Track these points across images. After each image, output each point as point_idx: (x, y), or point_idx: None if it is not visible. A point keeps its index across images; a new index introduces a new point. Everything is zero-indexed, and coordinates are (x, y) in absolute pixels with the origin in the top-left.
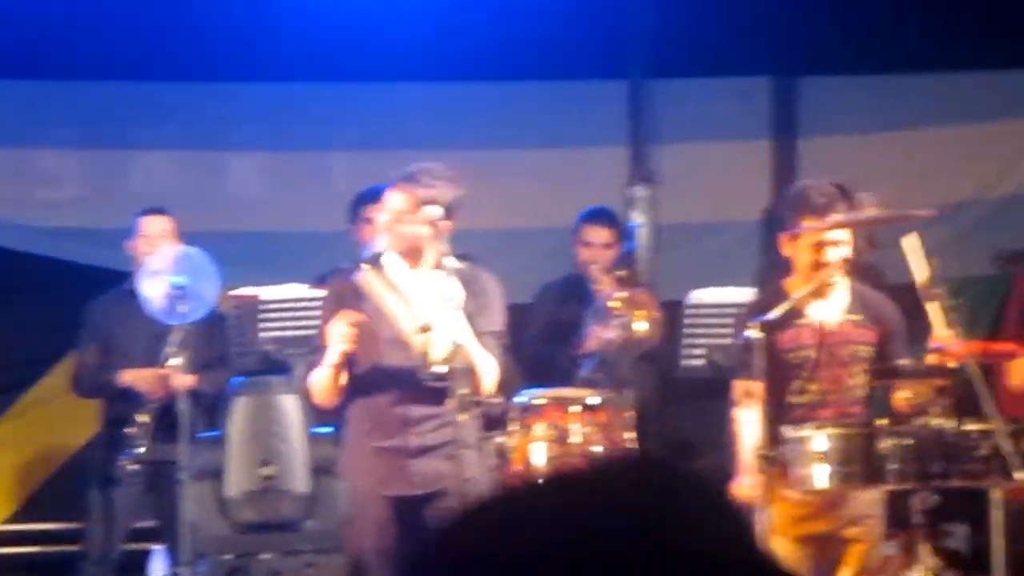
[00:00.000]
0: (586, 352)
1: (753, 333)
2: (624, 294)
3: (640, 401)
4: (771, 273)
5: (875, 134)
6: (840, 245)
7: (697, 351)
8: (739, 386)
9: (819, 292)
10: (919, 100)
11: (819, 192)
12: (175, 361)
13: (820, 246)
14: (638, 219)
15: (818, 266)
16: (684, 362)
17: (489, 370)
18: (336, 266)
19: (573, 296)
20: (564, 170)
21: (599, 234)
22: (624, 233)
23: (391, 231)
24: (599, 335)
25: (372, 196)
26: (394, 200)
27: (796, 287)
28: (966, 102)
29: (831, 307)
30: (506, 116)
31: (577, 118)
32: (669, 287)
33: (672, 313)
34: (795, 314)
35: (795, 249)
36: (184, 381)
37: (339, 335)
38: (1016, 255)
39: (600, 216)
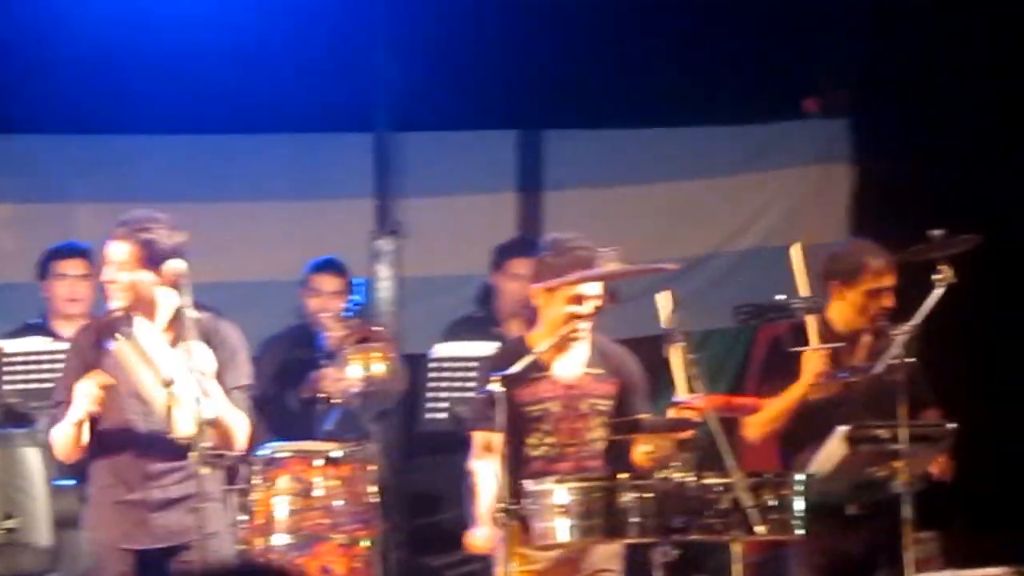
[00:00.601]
0: (320, 395)
1: (494, 387)
2: (356, 338)
3: (384, 454)
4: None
5: (619, 187)
6: (592, 299)
7: (441, 404)
8: (479, 439)
9: (562, 346)
10: (664, 153)
11: (581, 246)
12: None
13: (576, 299)
14: (383, 272)
15: (570, 319)
16: (428, 415)
17: (240, 425)
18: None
19: (301, 345)
20: (310, 222)
21: (328, 283)
22: (352, 284)
23: (115, 283)
24: (334, 377)
25: (62, 252)
26: (114, 250)
27: (538, 340)
28: (710, 155)
29: (572, 361)
30: (252, 168)
31: (324, 170)
32: (413, 340)
33: (416, 367)
34: (537, 367)
35: (548, 301)
36: None
37: (86, 395)
38: (756, 309)
39: (328, 266)
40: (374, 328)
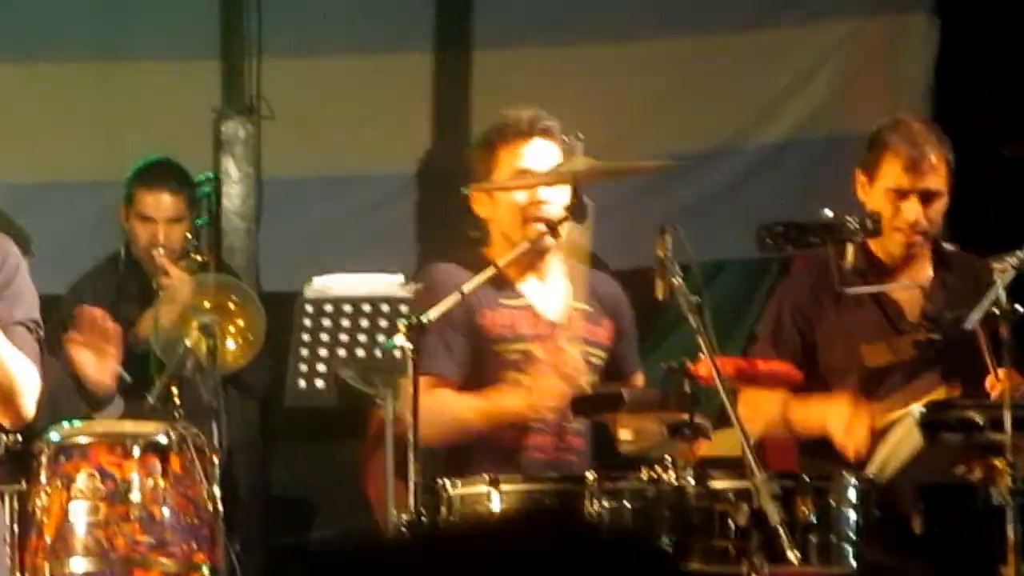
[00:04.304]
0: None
1: (434, 312)
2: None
3: (232, 440)
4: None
5: (584, 45)
6: (552, 204)
7: (319, 367)
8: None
9: (532, 265)
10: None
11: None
12: None
13: (532, 204)
14: (232, 170)
15: (526, 229)
16: (298, 384)
17: (27, 379)
18: None
19: (128, 287)
20: (120, 93)
21: (162, 204)
22: (197, 198)
23: None
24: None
25: None
26: None
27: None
28: None
29: (552, 291)
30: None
31: (144, 20)
32: (278, 273)
33: (281, 312)
34: (507, 290)
35: (493, 208)
36: None
37: None
38: (792, 229)
39: (161, 176)
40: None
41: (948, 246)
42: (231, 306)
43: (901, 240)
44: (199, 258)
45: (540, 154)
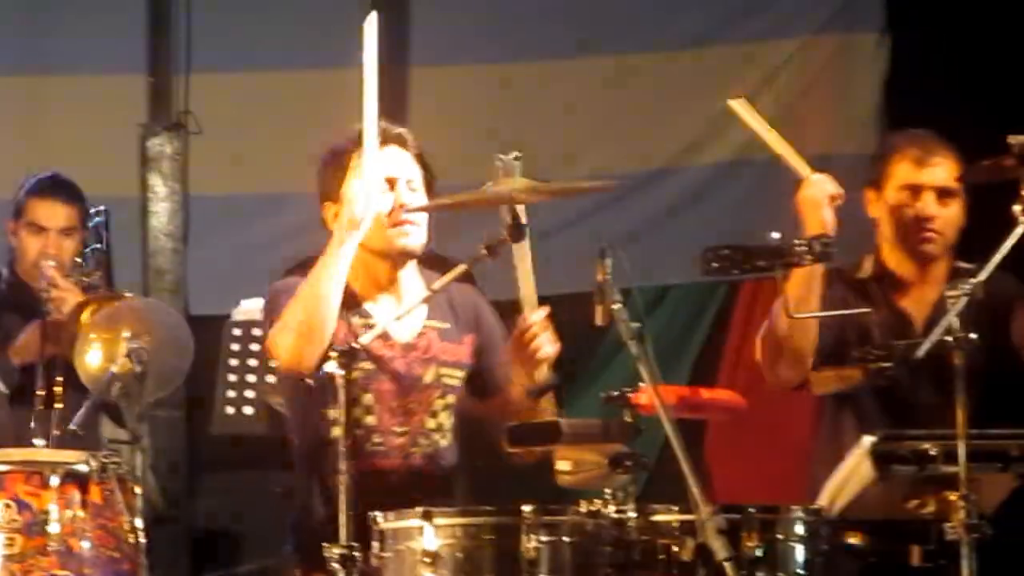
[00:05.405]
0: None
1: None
2: (97, 305)
3: (155, 470)
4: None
5: (523, 63)
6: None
7: (246, 394)
8: None
9: (385, 281)
10: (598, 12)
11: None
12: None
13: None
14: (158, 187)
15: (391, 255)
16: (225, 410)
17: None
18: None
19: (13, 307)
20: (41, 107)
21: (52, 213)
22: (89, 215)
23: None
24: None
25: None
26: None
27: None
28: (667, 17)
29: (404, 308)
30: None
31: (69, 29)
32: (205, 295)
33: (208, 335)
34: (354, 309)
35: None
36: None
37: None
38: (737, 253)
39: (52, 188)
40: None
41: (965, 264)
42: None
43: (917, 238)
44: (86, 278)
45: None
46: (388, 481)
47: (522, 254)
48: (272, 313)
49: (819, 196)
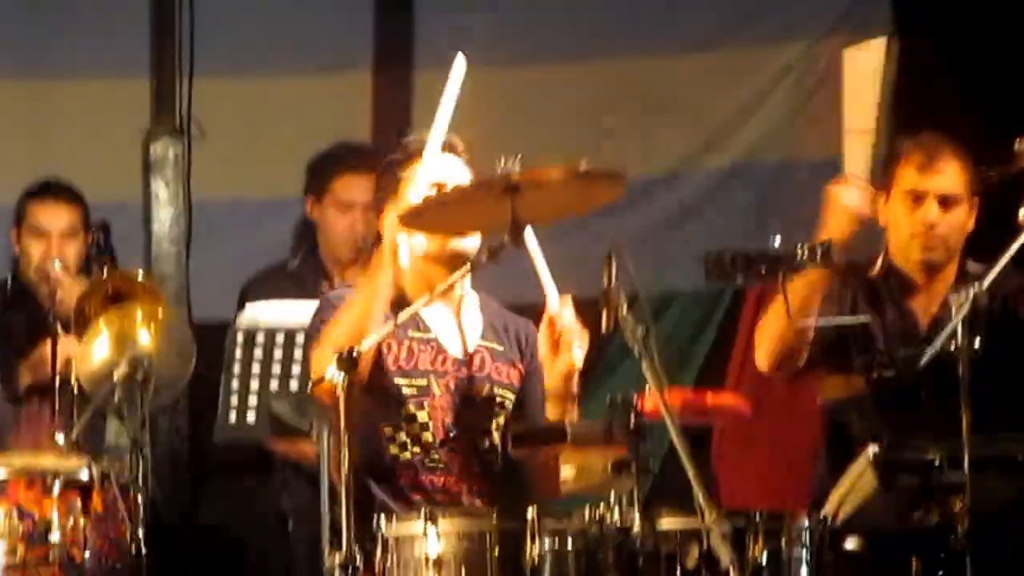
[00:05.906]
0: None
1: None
2: (103, 295)
3: (158, 479)
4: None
5: (528, 66)
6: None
7: (251, 401)
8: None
9: (444, 296)
10: (599, 15)
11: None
12: None
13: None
14: (161, 192)
15: (453, 259)
16: (230, 418)
17: None
18: None
19: (15, 309)
20: (41, 112)
21: (55, 216)
22: (90, 216)
23: None
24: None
25: None
26: None
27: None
28: (673, 19)
29: (459, 326)
30: None
31: (70, 36)
32: (210, 300)
33: (212, 342)
34: (413, 320)
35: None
36: None
37: None
38: (741, 259)
39: (53, 192)
40: (135, 279)
41: (975, 265)
42: (157, 331)
43: (919, 245)
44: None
45: (444, 167)
46: (445, 497)
47: (531, 251)
48: (317, 325)
49: (853, 204)
